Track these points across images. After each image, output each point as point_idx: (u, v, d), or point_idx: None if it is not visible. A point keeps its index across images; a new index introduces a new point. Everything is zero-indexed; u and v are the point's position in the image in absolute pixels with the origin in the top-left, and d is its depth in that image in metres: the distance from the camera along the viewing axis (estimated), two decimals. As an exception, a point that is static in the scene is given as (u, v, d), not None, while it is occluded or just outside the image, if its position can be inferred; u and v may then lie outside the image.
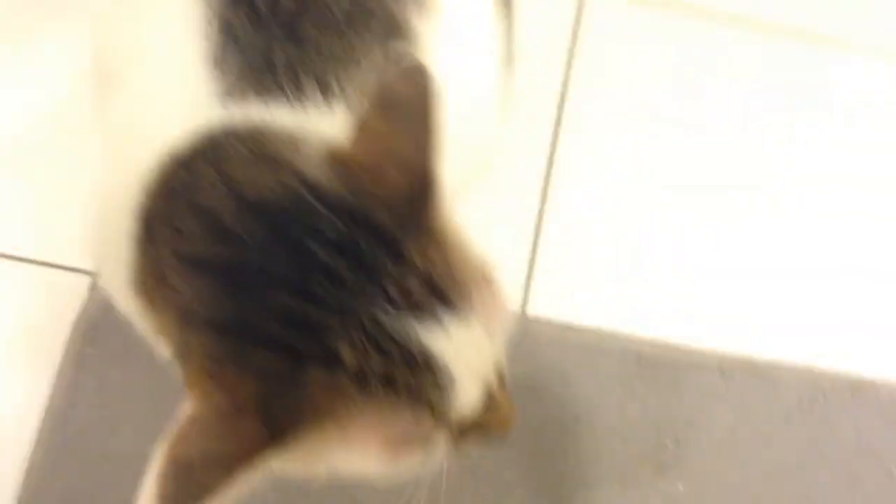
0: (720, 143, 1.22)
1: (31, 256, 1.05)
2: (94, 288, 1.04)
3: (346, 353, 0.47)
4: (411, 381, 0.48)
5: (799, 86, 1.25)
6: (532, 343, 1.09)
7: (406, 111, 0.49)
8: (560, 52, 1.21)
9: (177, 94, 0.57)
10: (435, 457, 0.55)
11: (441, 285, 0.49)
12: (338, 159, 0.50)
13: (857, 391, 1.13)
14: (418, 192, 0.50)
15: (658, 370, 1.10)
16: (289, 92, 0.56)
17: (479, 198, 1.07)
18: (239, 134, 0.52)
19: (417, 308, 0.48)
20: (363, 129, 0.50)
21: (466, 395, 0.51)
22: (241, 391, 0.46)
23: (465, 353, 0.50)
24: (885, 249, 1.20)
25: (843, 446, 1.10)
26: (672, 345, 1.12)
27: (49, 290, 1.04)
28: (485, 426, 0.55)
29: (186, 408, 0.47)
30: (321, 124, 0.55)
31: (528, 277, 1.12)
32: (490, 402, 0.54)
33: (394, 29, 0.62)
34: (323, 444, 0.49)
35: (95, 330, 1.02)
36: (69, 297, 1.03)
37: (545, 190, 1.16)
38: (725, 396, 1.10)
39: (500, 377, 0.57)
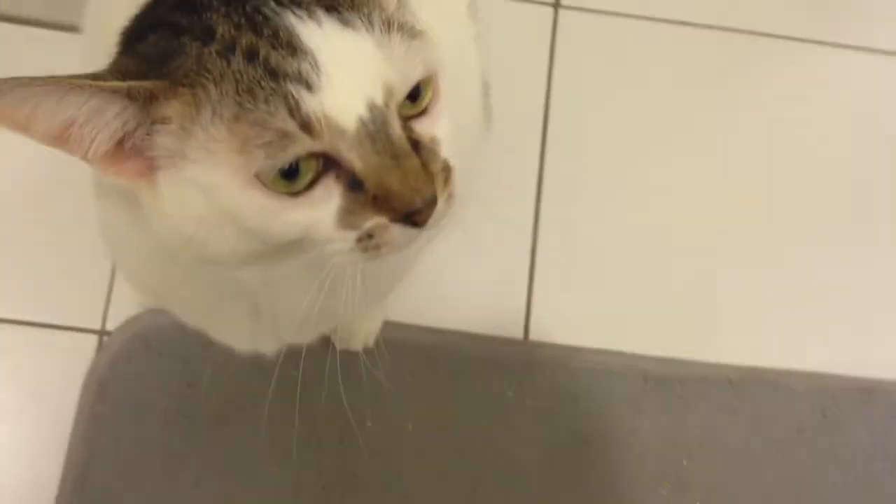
0: (713, 153, 1.23)
1: (37, 319, 1.07)
2: (101, 346, 1.05)
3: (221, 28, 0.50)
4: (271, 56, 0.49)
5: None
6: (537, 368, 1.10)
7: None
8: (540, 75, 1.23)
9: None
10: (322, 214, 0.52)
11: (338, 4, 0.51)
12: None
13: (868, 395, 1.12)
14: None
15: (666, 387, 1.10)
16: None
17: (472, 226, 1.09)
18: None
19: (298, 5, 0.50)
20: None
21: (335, 100, 0.49)
22: (125, 67, 0.51)
23: (341, 53, 0.50)
24: (884, 252, 1.21)
25: (858, 451, 1.10)
26: (678, 360, 1.12)
27: (56, 351, 1.06)
28: (382, 188, 0.51)
29: None
30: None
31: (528, 303, 1.13)
32: (393, 151, 0.51)
33: None
34: (181, 120, 0.50)
35: (105, 387, 1.03)
36: (77, 358, 1.05)
37: (537, 214, 1.17)
38: (737, 408, 1.10)
39: (428, 151, 0.54)
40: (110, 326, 1.07)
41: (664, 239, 1.18)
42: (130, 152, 0.51)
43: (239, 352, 0.78)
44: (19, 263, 1.08)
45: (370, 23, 0.50)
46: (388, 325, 1.06)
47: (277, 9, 0.50)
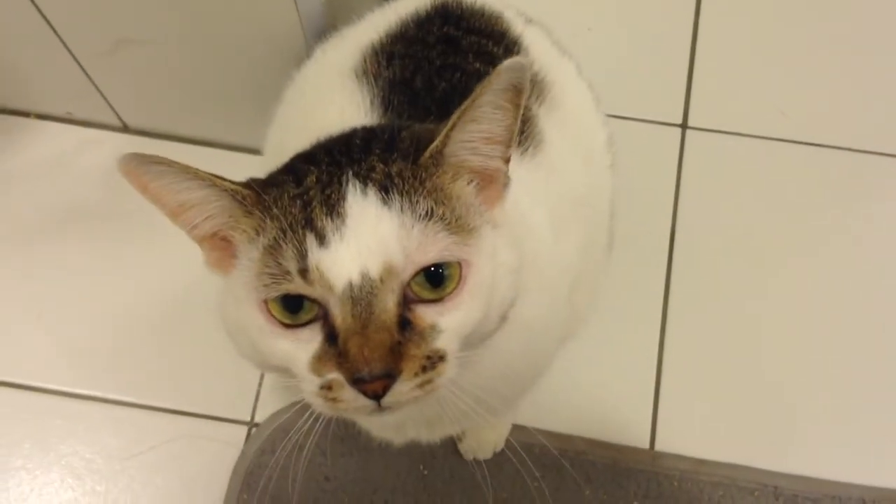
0: (841, 267, 1.23)
1: (194, 410, 1.15)
2: (249, 437, 1.13)
3: (308, 178, 0.59)
4: (315, 209, 0.56)
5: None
6: (664, 479, 1.10)
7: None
8: (668, 192, 1.27)
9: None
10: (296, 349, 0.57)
11: (391, 188, 0.57)
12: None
13: None
14: (429, 139, 0.60)
15: (798, 505, 1.08)
16: None
17: (600, 336, 1.13)
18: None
19: (363, 180, 0.57)
20: None
21: (333, 260, 0.55)
22: (253, 183, 0.60)
23: (366, 224, 0.56)
24: None
25: None
26: (811, 478, 1.10)
27: (210, 441, 1.14)
28: (344, 347, 0.55)
29: None
30: None
31: (654, 412, 1.14)
32: (366, 320, 0.55)
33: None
34: (249, 233, 0.59)
35: (251, 477, 1.10)
36: (228, 448, 1.13)
37: (664, 324, 1.19)
38: (873, 531, 1.07)
39: (417, 335, 0.57)
40: (259, 418, 1.14)
41: (794, 353, 1.18)
42: (222, 243, 0.61)
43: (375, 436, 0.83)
44: (182, 359, 1.18)
45: (410, 207, 0.57)
46: (515, 430, 1.09)
47: (351, 179, 0.57)
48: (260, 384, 1.16)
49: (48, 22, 1.07)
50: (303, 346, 0.57)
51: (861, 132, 1.30)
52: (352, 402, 0.56)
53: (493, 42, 0.83)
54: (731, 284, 1.21)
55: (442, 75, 0.77)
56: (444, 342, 0.57)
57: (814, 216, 1.26)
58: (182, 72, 1.14)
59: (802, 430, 1.14)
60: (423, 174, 0.59)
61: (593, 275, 0.92)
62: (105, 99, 1.23)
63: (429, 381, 0.56)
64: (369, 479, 1.09)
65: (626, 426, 1.13)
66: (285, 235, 0.56)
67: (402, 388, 0.55)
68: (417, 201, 0.57)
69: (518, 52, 0.83)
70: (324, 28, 1.00)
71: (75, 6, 1.04)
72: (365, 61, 0.80)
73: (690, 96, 1.32)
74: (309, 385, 0.57)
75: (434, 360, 0.56)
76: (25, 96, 1.29)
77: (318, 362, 0.56)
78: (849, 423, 1.14)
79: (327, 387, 0.56)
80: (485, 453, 1.09)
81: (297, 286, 0.56)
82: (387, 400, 0.56)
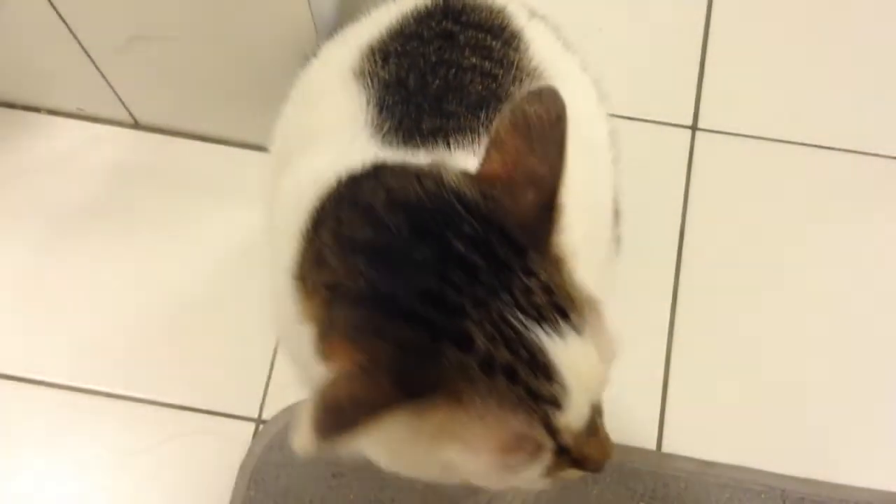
0: (850, 270, 1.22)
1: (201, 406, 1.16)
2: (257, 434, 1.13)
3: (479, 339, 0.51)
4: (532, 381, 0.52)
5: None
6: (670, 480, 1.09)
7: (538, 131, 0.54)
8: (677, 194, 1.27)
9: (343, 146, 0.69)
10: (533, 475, 0.57)
11: (559, 300, 0.54)
12: (475, 173, 0.57)
13: None
14: (547, 212, 0.55)
15: (805, 508, 1.08)
16: (431, 149, 0.68)
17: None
18: (392, 164, 0.63)
19: (541, 316, 0.53)
20: (497, 145, 0.56)
21: (577, 411, 0.54)
22: (381, 354, 0.51)
23: (579, 368, 0.53)
24: None
25: None
26: (818, 481, 1.10)
27: (217, 437, 1.14)
28: (582, 455, 0.57)
29: (328, 371, 0.52)
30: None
31: (662, 413, 1.14)
32: (592, 428, 0.57)
33: None
34: (447, 424, 0.53)
35: (258, 475, 1.10)
36: (235, 444, 1.13)
37: (672, 326, 1.19)
38: (880, 535, 1.07)
39: (599, 410, 0.59)
40: (266, 415, 1.14)
41: (802, 355, 1.17)
42: None
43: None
44: (190, 355, 1.18)
45: (584, 321, 0.55)
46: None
47: (526, 321, 0.52)
48: (268, 381, 1.16)
49: (61, 17, 1.07)
50: (537, 468, 0.57)
51: (872, 135, 1.29)
52: (578, 477, 0.60)
53: (492, 36, 0.81)
54: (739, 286, 1.21)
55: (436, 72, 0.76)
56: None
57: (824, 219, 1.25)
58: (193, 69, 1.14)
59: (810, 432, 1.13)
60: (560, 259, 0.56)
61: (598, 273, 0.92)
62: (116, 95, 1.23)
63: None
64: (377, 476, 1.09)
65: (633, 427, 1.13)
66: (516, 413, 0.53)
67: None
68: (582, 307, 0.55)
69: (518, 46, 0.82)
70: (336, 27, 1.01)
71: (89, 2, 1.05)
72: (362, 60, 0.78)
73: (701, 98, 1.32)
74: (537, 485, 0.60)
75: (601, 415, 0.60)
76: (36, 92, 1.29)
77: (552, 471, 0.58)
78: (857, 427, 1.14)
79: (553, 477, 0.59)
80: None
81: (551, 448, 0.56)
82: None
